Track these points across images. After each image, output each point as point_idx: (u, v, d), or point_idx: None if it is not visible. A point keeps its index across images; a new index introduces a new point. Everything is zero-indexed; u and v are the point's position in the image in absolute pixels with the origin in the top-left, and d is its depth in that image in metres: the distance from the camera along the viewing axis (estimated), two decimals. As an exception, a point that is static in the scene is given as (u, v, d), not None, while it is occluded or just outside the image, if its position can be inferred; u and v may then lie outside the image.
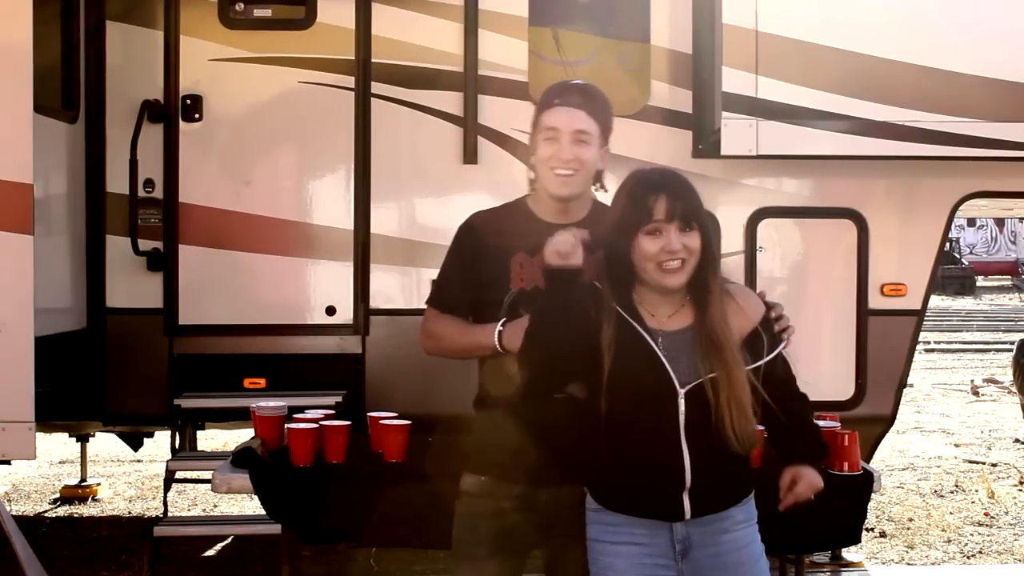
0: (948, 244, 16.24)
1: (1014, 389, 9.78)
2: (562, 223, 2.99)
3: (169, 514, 6.01)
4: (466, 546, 3.05)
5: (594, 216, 3.07)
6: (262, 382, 5.64)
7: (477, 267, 3.03)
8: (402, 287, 5.71)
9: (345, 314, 5.71)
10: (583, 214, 3.07)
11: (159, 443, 6.85)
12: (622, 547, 2.78)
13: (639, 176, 2.81)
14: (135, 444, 6.70)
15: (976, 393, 12.88)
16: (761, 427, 3.00)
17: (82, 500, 7.43)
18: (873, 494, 3.74)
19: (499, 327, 2.95)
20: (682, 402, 2.71)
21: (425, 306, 3.16)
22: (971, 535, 6.61)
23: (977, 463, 8.82)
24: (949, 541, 6.48)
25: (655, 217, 2.71)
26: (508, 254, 3.00)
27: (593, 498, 2.85)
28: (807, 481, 2.88)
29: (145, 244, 5.63)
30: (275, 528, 3.94)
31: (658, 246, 2.71)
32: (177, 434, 5.79)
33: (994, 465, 8.71)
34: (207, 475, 4.85)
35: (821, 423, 3.84)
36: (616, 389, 2.71)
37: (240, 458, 3.83)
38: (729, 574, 2.79)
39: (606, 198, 3.04)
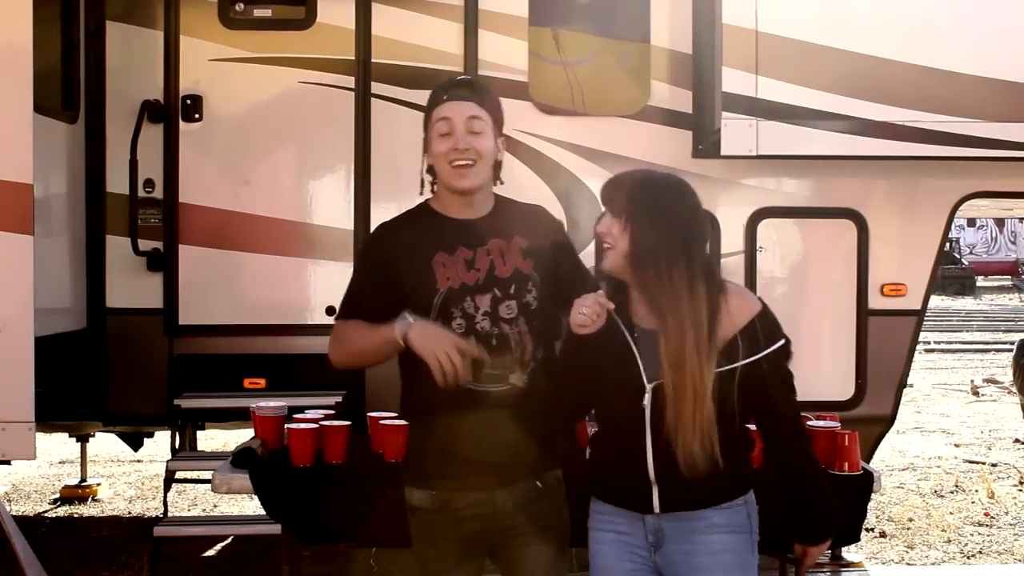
0: (948, 244, 16.25)
1: (1014, 389, 9.77)
2: (469, 218, 3.00)
3: (169, 514, 6.01)
4: (431, 562, 3.00)
5: (499, 210, 3.06)
6: (262, 382, 5.64)
7: (394, 276, 2.97)
8: (402, 287, 5.71)
9: (345, 314, 5.70)
10: (489, 208, 3.05)
11: (159, 443, 6.85)
12: (607, 534, 2.87)
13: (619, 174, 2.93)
14: (135, 444, 6.70)
15: (976, 393, 12.88)
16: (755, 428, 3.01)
17: (82, 500, 7.43)
18: (873, 494, 3.75)
19: (409, 319, 2.87)
20: (648, 396, 2.76)
21: (333, 322, 3.08)
22: (971, 535, 6.62)
23: (977, 463, 8.82)
24: (949, 541, 6.48)
25: (604, 203, 2.86)
26: (427, 255, 2.95)
27: (589, 489, 2.94)
28: (815, 554, 2.93)
29: (145, 244, 5.63)
30: (275, 528, 3.94)
31: (595, 228, 2.85)
32: (177, 434, 5.79)
33: (994, 465, 8.71)
34: (207, 475, 4.85)
35: (821, 423, 3.86)
36: (600, 380, 2.83)
37: (240, 458, 3.83)
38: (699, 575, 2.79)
39: (504, 191, 3.08)
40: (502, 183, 3.10)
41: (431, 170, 3.04)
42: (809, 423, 3.77)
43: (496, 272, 2.96)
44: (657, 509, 2.79)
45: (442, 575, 2.99)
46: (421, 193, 3.10)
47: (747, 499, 2.86)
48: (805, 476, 2.89)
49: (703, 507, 2.79)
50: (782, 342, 2.85)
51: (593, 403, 2.95)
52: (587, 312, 2.76)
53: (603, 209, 2.86)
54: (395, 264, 2.98)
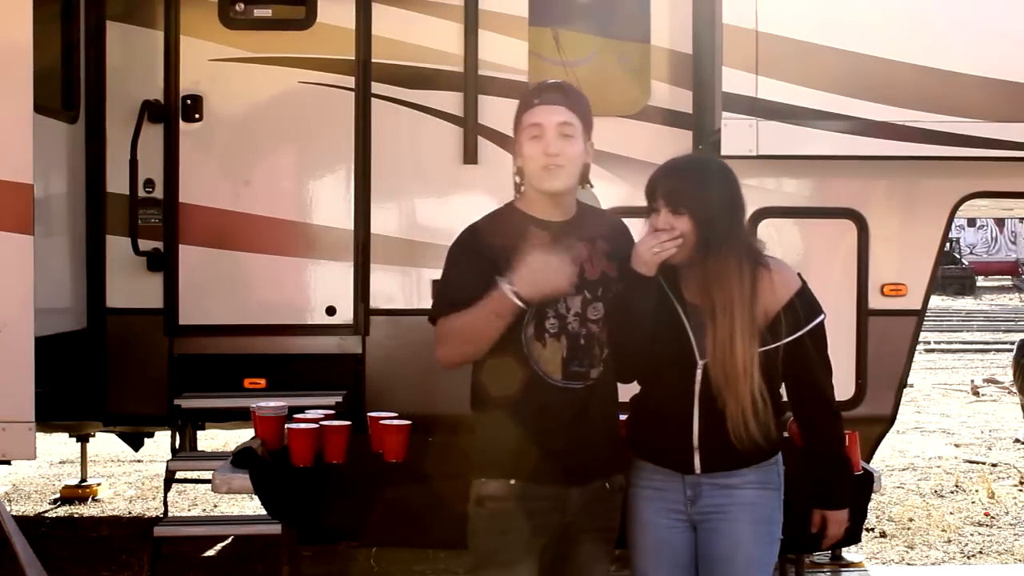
0: (948, 244, 16.24)
1: (1014, 389, 9.77)
2: (557, 220, 3.06)
3: (169, 514, 6.01)
4: (500, 552, 3.00)
5: (582, 213, 3.13)
6: (262, 382, 5.64)
7: (488, 270, 2.98)
8: (402, 287, 5.72)
9: (345, 314, 5.71)
10: (574, 211, 3.12)
11: (159, 443, 6.85)
12: (645, 490, 3.06)
13: (666, 162, 3.10)
14: (135, 444, 6.70)
15: (976, 393, 12.88)
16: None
17: (82, 500, 7.43)
18: (873, 494, 3.74)
19: (506, 284, 2.90)
20: (699, 372, 2.96)
21: (431, 323, 3.07)
22: (971, 535, 6.61)
23: (977, 463, 8.82)
24: (949, 541, 6.47)
25: (653, 197, 3.01)
26: (524, 256, 2.96)
27: (630, 447, 3.11)
28: (836, 521, 3.14)
29: (145, 244, 5.63)
30: (275, 528, 3.94)
31: (654, 224, 2.99)
32: (177, 434, 5.78)
33: (994, 465, 8.71)
34: (207, 475, 4.85)
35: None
36: (651, 351, 2.97)
37: (240, 458, 3.83)
38: (728, 527, 2.99)
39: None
40: (592, 186, 3.18)
41: (520, 172, 3.10)
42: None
43: (586, 275, 3.04)
44: (698, 471, 2.99)
45: (508, 566, 3.00)
46: (517, 195, 3.13)
47: (777, 459, 3.07)
48: (833, 445, 3.13)
49: (743, 467, 3.00)
50: (821, 317, 3.06)
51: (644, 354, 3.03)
52: (659, 251, 2.90)
53: (659, 200, 2.97)
54: (494, 261, 2.98)
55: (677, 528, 3.03)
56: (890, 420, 5.82)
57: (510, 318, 2.93)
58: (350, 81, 5.70)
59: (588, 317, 3.03)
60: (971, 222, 32.98)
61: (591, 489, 3.03)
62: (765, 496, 3.03)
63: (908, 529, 6.68)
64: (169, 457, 5.77)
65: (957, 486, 7.89)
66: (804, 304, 3.03)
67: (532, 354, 3.00)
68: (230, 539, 6.36)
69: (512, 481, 3.00)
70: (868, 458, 5.50)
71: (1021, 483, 8.04)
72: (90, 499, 7.46)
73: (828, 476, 3.14)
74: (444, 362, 3.05)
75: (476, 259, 3.03)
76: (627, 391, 3.16)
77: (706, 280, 2.94)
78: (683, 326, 2.99)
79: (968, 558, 6.20)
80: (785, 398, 3.11)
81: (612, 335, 3.01)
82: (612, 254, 3.09)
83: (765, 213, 5.69)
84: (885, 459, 8.68)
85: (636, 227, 4.93)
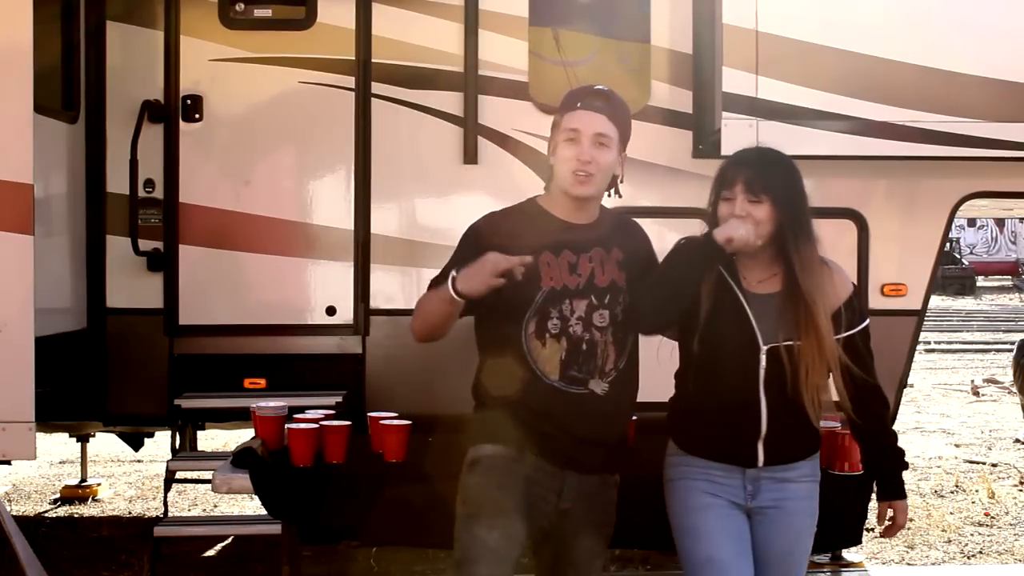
0: (948, 244, 16.23)
1: (1014, 389, 9.76)
2: (578, 222, 3.09)
3: (169, 514, 6.01)
4: (488, 504, 3.01)
5: (603, 219, 3.16)
6: (262, 382, 5.64)
7: None
8: (402, 287, 5.71)
9: (345, 314, 5.71)
10: (595, 216, 3.14)
11: (159, 443, 6.85)
12: (700, 483, 3.09)
13: (736, 151, 3.21)
14: (135, 444, 6.70)
15: (976, 393, 12.88)
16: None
17: (82, 500, 7.43)
18: (873, 494, 3.74)
19: (453, 273, 2.94)
20: (763, 358, 3.03)
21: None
22: (971, 535, 6.62)
23: (977, 463, 8.82)
24: (949, 541, 6.48)
25: (727, 184, 3.07)
26: (534, 253, 3.01)
27: (677, 445, 3.15)
28: (902, 509, 3.23)
29: (145, 244, 5.63)
30: (275, 528, 3.95)
31: (728, 210, 3.05)
32: (177, 434, 5.78)
33: (994, 465, 8.71)
34: (207, 475, 4.85)
35: (821, 423, 3.85)
36: (708, 337, 3.04)
37: (240, 458, 3.83)
38: (787, 521, 3.10)
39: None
40: (619, 196, 3.20)
41: (551, 169, 3.13)
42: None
43: (596, 280, 3.06)
44: (761, 463, 3.06)
45: (503, 515, 3.00)
46: (546, 190, 3.17)
47: (818, 451, 3.22)
48: (892, 437, 3.25)
49: (798, 459, 3.12)
50: (868, 320, 3.20)
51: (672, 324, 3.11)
52: (744, 233, 2.97)
53: (735, 188, 3.02)
54: (501, 251, 2.98)
55: (736, 515, 3.09)
56: (890, 420, 5.81)
57: (452, 308, 2.96)
58: (350, 81, 5.70)
59: (593, 323, 3.04)
60: (971, 222, 32.97)
61: (588, 480, 3.05)
62: (814, 490, 3.16)
63: (908, 529, 6.67)
64: (169, 457, 5.77)
65: (957, 486, 7.89)
66: (858, 304, 3.20)
67: (531, 352, 3.02)
68: (230, 539, 6.36)
69: (511, 447, 3.02)
70: (868, 458, 5.50)
71: (1021, 483, 8.04)
72: (90, 499, 7.46)
73: (894, 467, 3.23)
74: (415, 336, 3.14)
75: (483, 246, 3.03)
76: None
77: (797, 266, 3.03)
78: (745, 313, 3.05)
79: (968, 558, 6.20)
80: (835, 396, 3.19)
81: (645, 302, 3.05)
82: (625, 263, 3.10)
83: (765, 213, 5.69)
84: (885, 459, 8.66)
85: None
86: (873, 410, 3.20)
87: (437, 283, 3.07)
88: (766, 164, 3.09)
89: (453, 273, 2.95)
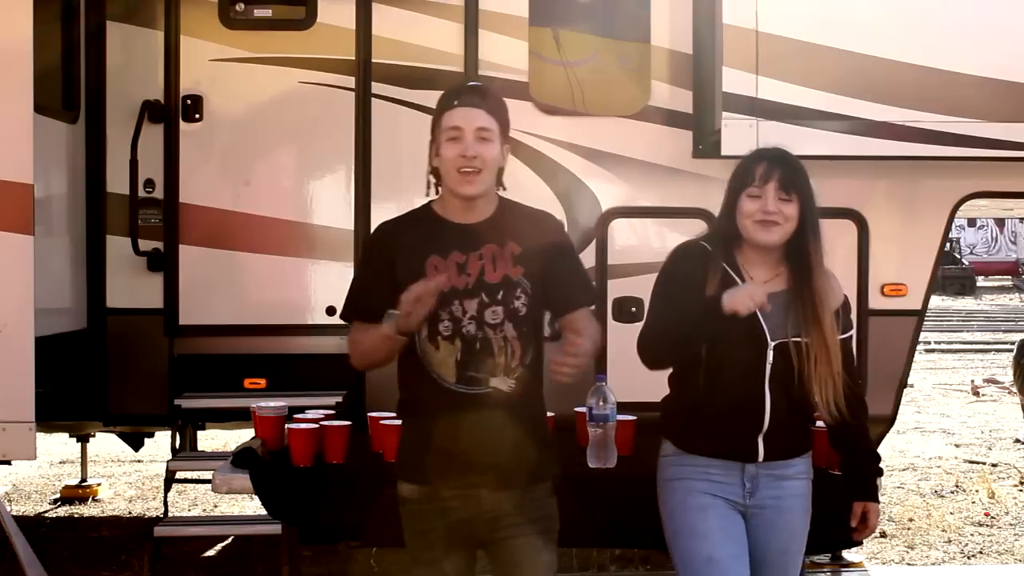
0: (948, 244, 16.25)
1: (1014, 389, 9.77)
2: (469, 222, 3.05)
3: (169, 514, 6.01)
4: (419, 550, 3.06)
5: (499, 215, 3.09)
6: (262, 382, 5.64)
7: (390, 273, 3.02)
8: (402, 287, 5.70)
9: (345, 314, 5.70)
10: (489, 213, 3.09)
11: (159, 443, 6.85)
12: (699, 482, 3.10)
13: (756, 150, 3.20)
14: (135, 444, 6.70)
15: (976, 393, 12.88)
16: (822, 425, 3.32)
17: (82, 500, 7.43)
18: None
19: (392, 312, 2.91)
20: (770, 354, 3.06)
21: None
22: (971, 535, 6.62)
23: (977, 463, 8.82)
24: (949, 541, 6.48)
25: (757, 181, 3.08)
26: (421, 257, 3.00)
27: (675, 444, 3.16)
28: (874, 512, 3.27)
29: (145, 244, 5.63)
30: (275, 528, 3.95)
31: (756, 206, 3.06)
32: (177, 434, 5.79)
33: (994, 465, 8.71)
34: (207, 475, 4.85)
35: (821, 423, 3.85)
36: (716, 336, 3.03)
37: (240, 458, 3.83)
38: (783, 519, 3.13)
39: (505, 192, 3.14)
40: (504, 189, 3.14)
41: (435, 172, 3.09)
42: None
43: (485, 278, 3.01)
44: (760, 458, 3.08)
45: (430, 564, 3.04)
46: (427, 195, 3.14)
47: (811, 450, 3.26)
48: (867, 442, 3.28)
49: (795, 456, 3.16)
50: (853, 330, 3.26)
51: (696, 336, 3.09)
52: (751, 307, 2.97)
53: (768, 185, 3.05)
54: (390, 262, 3.03)
55: (734, 516, 3.10)
56: (890, 420, 5.81)
57: (396, 343, 2.96)
58: (350, 81, 5.70)
59: (485, 320, 2.98)
60: (971, 222, 32.99)
61: (513, 495, 3.00)
62: (808, 487, 3.20)
63: (908, 529, 6.68)
64: (169, 457, 5.77)
65: (957, 486, 7.89)
66: (848, 310, 3.24)
67: (426, 356, 3.00)
68: (230, 539, 6.36)
69: (422, 486, 3.02)
70: (868, 458, 5.50)
71: (1021, 483, 8.04)
72: (90, 499, 7.46)
73: (870, 469, 3.27)
74: (354, 365, 3.13)
75: (376, 264, 3.07)
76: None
77: (814, 264, 3.08)
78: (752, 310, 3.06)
79: (968, 558, 6.20)
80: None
81: (660, 346, 3.11)
82: (522, 257, 3.04)
83: (765, 213, 5.69)
84: (885, 459, 8.60)
85: (635, 225, 4.93)
86: (853, 413, 3.20)
87: (354, 315, 3.07)
88: (794, 164, 3.13)
89: (392, 312, 2.90)
